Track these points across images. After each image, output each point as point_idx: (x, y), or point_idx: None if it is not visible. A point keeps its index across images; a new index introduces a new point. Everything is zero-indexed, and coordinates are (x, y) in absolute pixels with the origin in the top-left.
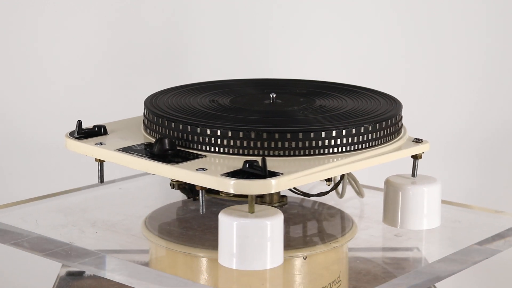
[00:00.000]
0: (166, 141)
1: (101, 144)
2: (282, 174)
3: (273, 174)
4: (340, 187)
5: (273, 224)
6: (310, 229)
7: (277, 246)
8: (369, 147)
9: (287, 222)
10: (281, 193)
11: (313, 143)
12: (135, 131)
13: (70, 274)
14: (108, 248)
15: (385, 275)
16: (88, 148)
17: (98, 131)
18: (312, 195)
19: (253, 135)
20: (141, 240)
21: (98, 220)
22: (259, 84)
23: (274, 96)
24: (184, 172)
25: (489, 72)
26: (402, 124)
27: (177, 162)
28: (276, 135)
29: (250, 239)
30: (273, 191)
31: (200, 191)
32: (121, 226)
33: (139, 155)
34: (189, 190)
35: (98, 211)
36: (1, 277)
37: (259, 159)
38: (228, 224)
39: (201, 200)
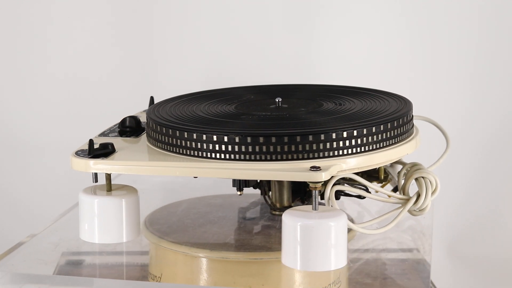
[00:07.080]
0: (127, 118)
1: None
2: (104, 158)
3: (100, 157)
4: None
5: (127, 201)
6: None
7: (133, 222)
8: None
9: None
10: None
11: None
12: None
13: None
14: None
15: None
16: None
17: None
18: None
19: (174, 133)
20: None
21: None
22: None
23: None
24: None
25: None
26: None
27: (116, 136)
28: (170, 131)
29: (108, 216)
30: (87, 171)
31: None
32: None
33: (106, 130)
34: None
35: None
36: None
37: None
38: (89, 202)
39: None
